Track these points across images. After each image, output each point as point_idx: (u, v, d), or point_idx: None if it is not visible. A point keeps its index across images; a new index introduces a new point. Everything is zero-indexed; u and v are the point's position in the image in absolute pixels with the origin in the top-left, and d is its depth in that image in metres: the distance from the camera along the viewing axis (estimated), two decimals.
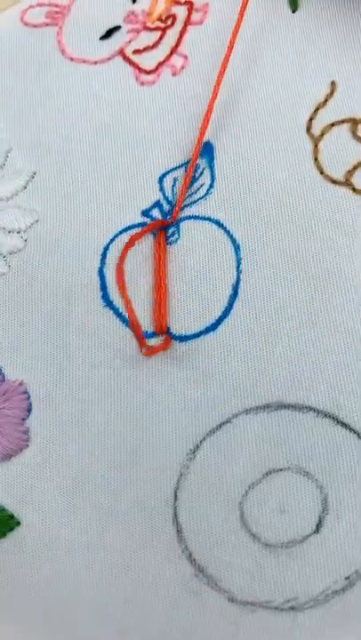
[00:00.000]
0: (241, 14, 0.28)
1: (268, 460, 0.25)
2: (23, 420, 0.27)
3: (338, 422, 0.25)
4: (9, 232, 0.30)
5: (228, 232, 0.28)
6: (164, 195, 0.29)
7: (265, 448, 0.26)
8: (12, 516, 0.27)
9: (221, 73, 0.28)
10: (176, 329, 0.27)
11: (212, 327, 0.27)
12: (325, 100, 0.29)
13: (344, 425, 0.25)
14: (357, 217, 0.27)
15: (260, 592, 0.25)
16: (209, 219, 0.28)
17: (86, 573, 0.26)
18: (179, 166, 0.29)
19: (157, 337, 0.27)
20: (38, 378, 0.28)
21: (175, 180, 0.29)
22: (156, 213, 0.29)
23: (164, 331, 0.27)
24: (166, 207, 0.29)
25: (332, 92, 0.29)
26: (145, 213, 0.29)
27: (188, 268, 0.28)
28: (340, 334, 0.26)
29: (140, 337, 0.27)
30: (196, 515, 0.26)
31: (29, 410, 0.28)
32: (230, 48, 0.28)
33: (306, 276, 0.27)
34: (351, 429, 0.25)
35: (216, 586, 0.25)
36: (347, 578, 0.24)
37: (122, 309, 0.28)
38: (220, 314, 0.27)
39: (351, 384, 0.25)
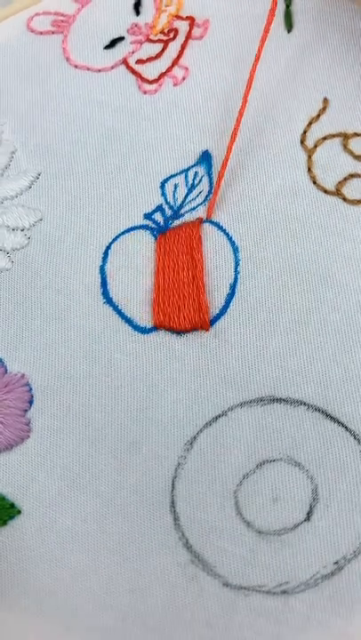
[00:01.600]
0: (263, 39, 0.29)
1: (262, 451, 0.26)
2: (25, 411, 0.28)
3: (327, 416, 0.26)
4: (13, 230, 0.30)
5: (227, 234, 0.29)
6: (165, 199, 0.30)
7: (259, 439, 0.26)
8: (12, 505, 0.27)
9: (247, 89, 0.29)
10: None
11: (210, 323, 0.28)
12: (318, 115, 0.30)
13: (333, 419, 0.26)
14: (348, 223, 0.28)
15: (253, 577, 0.25)
16: (210, 221, 0.29)
17: (86, 561, 0.26)
18: (179, 173, 0.30)
19: (155, 331, 0.28)
20: (40, 371, 0.28)
21: (176, 186, 0.30)
22: (158, 217, 0.30)
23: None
24: (168, 211, 0.30)
25: (324, 108, 0.30)
26: (147, 217, 0.30)
27: None
28: (330, 332, 0.27)
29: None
30: (192, 503, 0.26)
31: (31, 402, 0.28)
32: (253, 71, 0.29)
33: (299, 277, 0.28)
34: (339, 423, 0.26)
35: (211, 571, 0.25)
36: (335, 563, 0.25)
37: (121, 306, 0.29)
38: (217, 311, 0.28)
39: (339, 380, 0.26)
